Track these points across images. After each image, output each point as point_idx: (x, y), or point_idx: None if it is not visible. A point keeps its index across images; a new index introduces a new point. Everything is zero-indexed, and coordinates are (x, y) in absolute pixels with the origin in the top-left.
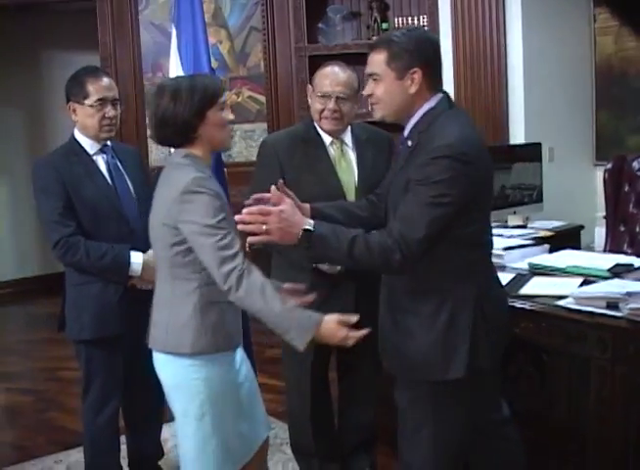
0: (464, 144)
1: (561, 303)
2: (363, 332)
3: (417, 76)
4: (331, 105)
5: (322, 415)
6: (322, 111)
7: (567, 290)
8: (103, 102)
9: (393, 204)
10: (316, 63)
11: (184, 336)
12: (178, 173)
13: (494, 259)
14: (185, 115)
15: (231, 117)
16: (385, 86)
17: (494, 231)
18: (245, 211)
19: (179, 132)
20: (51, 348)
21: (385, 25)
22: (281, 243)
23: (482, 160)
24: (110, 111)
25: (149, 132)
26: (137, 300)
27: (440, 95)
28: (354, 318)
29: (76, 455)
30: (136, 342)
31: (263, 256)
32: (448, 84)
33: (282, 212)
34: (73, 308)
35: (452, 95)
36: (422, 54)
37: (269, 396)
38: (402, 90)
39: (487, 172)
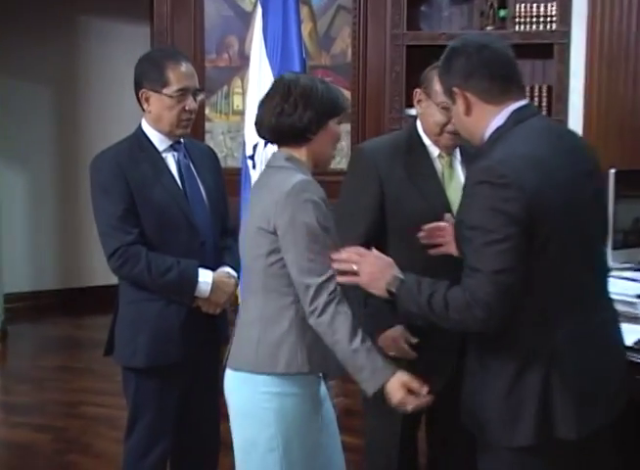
0: (503, 165)
1: None
2: (425, 400)
3: (459, 95)
4: None
5: None
6: (445, 124)
7: None
8: (184, 92)
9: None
10: (415, 54)
11: (278, 354)
12: (281, 176)
13: (622, 308)
14: (311, 116)
15: (341, 134)
16: (453, 116)
17: (625, 274)
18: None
19: (297, 130)
20: (70, 378)
21: (502, 13)
22: (366, 288)
23: (535, 182)
24: (191, 103)
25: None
26: (200, 325)
27: (512, 107)
28: (418, 387)
29: None
30: (195, 374)
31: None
32: (575, 92)
33: (378, 258)
34: (127, 330)
35: (580, 104)
36: (454, 70)
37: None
38: (458, 114)
39: (555, 197)
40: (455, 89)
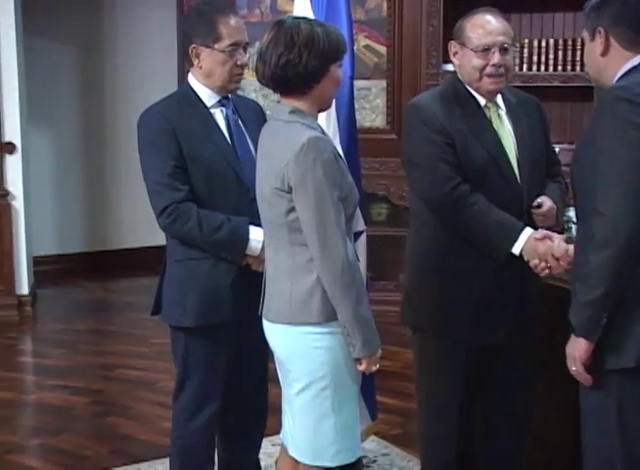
0: (639, 86)
1: None
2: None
3: (602, 36)
4: (496, 59)
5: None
6: (484, 67)
7: None
8: (236, 47)
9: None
10: (454, 7)
11: (311, 304)
12: (289, 132)
13: None
14: (316, 64)
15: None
16: (586, 49)
17: None
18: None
19: (302, 80)
20: (103, 341)
21: None
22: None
23: None
24: (242, 57)
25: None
26: (249, 284)
27: None
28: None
29: None
30: (245, 334)
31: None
32: None
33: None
34: (176, 289)
35: None
36: (606, 11)
37: (380, 415)
38: (594, 51)
39: None
40: (600, 29)
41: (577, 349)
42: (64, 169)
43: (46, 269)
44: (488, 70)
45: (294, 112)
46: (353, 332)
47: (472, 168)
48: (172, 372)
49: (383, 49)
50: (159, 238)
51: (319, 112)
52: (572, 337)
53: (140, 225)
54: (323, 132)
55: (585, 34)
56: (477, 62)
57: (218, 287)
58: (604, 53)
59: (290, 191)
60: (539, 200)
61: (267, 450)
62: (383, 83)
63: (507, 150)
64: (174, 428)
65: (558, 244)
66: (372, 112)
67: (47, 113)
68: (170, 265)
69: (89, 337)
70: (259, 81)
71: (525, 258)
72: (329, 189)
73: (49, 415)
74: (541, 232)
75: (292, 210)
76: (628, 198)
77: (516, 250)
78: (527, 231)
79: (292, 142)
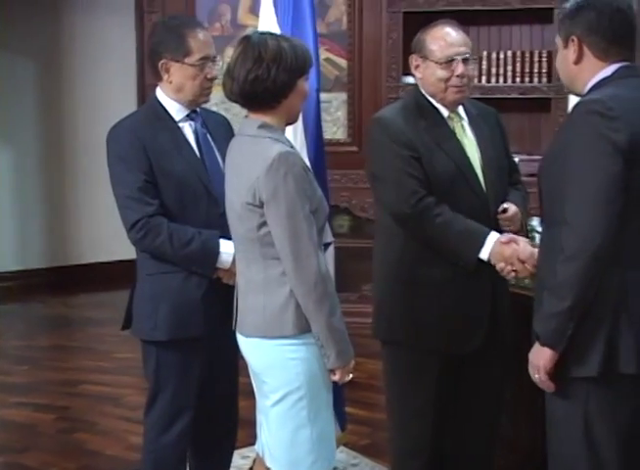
0: (613, 100)
1: None
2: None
3: (575, 44)
4: (460, 69)
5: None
6: (448, 79)
7: None
8: (206, 60)
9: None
10: (413, 21)
11: (285, 317)
12: (259, 147)
13: None
14: (284, 78)
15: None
16: (558, 56)
17: None
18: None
19: (271, 95)
20: (66, 357)
21: None
22: None
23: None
24: (212, 70)
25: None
26: (220, 298)
27: (619, 65)
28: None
29: None
30: (216, 347)
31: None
32: None
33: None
34: (148, 303)
35: None
36: (580, 20)
37: (349, 426)
38: (566, 59)
39: None
40: (574, 37)
41: (542, 358)
42: (23, 186)
43: (7, 285)
44: (453, 80)
45: (262, 126)
46: (327, 343)
47: (439, 179)
48: (138, 387)
49: (343, 62)
50: (118, 253)
51: (287, 125)
52: (537, 345)
53: (100, 241)
54: (291, 146)
55: (558, 41)
56: (441, 73)
57: (190, 300)
58: (577, 61)
59: (261, 206)
60: (505, 205)
61: (237, 463)
62: (343, 96)
63: (472, 159)
64: (146, 442)
65: (523, 247)
66: (333, 124)
67: (5, 127)
68: (141, 279)
69: (52, 353)
70: (227, 97)
71: (492, 263)
72: (300, 202)
73: (13, 433)
74: (507, 236)
75: (263, 224)
76: (598, 212)
77: (483, 255)
78: (494, 236)
79: (262, 157)
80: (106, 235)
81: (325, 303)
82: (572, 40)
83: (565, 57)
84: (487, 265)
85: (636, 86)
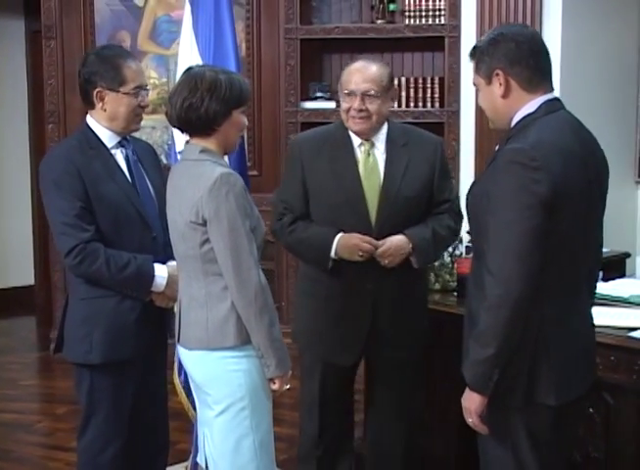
0: (536, 149)
1: (634, 334)
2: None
3: (500, 78)
4: (356, 103)
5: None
6: (349, 110)
7: (637, 321)
8: (139, 89)
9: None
10: (309, 47)
11: (227, 329)
12: (201, 169)
13: None
14: (216, 108)
15: (246, 123)
16: (481, 95)
17: None
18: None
19: (204, 122)
20: None
21: (392, 7)
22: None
23: (560, 167)
24: (144, 98)
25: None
26: (153, 321)
27: (543, 98)
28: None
29: None
30: (149, 368)
31: None
32: (466, 84)
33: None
34: (81, 327)
35: (472, 95)
36: (500, 52)
37: None
38: (493, 95)
39: (574, 184)
40: (498, 71)
41: (472, 403)
42: None
43: None
44: (351, 112)
45: (203, 151)
46: (268, 353)
47: (325, 207)
48: (48, 413)
49: None
50: (13, 280)
51: (225, 154)
52: (467, 390)
53: None
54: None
55: (478, 80)
56: (344, 105)
57: (123, 323)
58: (505, 95)
59: (204, 224)
60: (381, 242)
61: None
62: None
63: (367, 185)
64: (81, 464)
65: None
66: None
67: None
68: (74, 304)
69: None
70: (169, 122)
71: (344, 257)
72: (241, 219)
73: None
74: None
75: (206, 241)
76: (519, 263)
77: (333, 253)
78: (340, 234)
79: (205, 178)
80: (1, 261)
81: (265, 314)
82: (497, 74)
83: (490, 93)
84: (368, 284)
85: (559, 124)
